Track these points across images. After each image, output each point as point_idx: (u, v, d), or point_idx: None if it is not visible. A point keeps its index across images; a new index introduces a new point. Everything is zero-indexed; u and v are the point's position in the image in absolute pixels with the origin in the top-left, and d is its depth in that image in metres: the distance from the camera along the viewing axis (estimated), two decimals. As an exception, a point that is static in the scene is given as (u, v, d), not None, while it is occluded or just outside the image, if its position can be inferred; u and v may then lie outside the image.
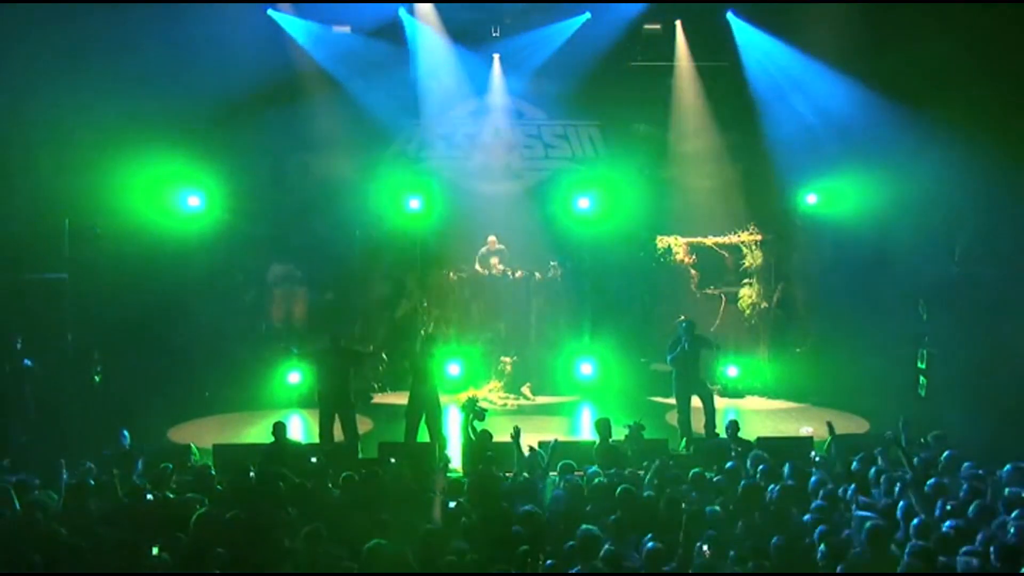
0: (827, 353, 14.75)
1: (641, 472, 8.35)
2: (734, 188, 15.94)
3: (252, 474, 8.17)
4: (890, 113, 13.58)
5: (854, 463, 8.15)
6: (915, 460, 8.04)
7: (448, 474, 8.71)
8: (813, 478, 7.72)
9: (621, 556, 6.01)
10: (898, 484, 7.21)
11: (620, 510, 6.80)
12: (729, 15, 15.57)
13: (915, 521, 6.38)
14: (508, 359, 15.05)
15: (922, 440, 8.98)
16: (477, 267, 15.70)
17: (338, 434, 11.00)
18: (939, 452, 8.34)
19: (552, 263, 15.59)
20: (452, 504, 7.17)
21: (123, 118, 12.86)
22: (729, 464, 8.26)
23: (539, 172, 17.01)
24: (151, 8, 13.08)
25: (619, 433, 9.76)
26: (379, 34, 15.83)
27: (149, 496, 7.49)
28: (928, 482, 7.29)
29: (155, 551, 6.37)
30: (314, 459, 9.04)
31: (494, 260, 15.60)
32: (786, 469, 7.94)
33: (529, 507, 6.91)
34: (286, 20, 15.56)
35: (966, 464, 7.84)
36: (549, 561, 6.04)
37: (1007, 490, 7.16)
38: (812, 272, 15.42)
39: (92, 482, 7.81)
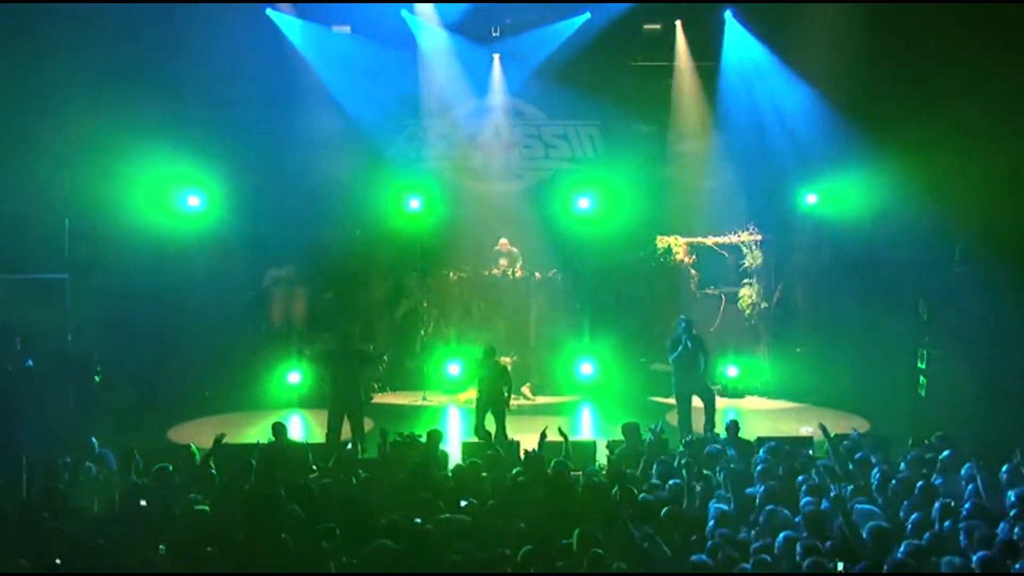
0: (827, 353, 14.76)
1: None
2: (734, 188, 15.93)
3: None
4: (890, 111, 13.60)
5: (851, 464, 8.16)
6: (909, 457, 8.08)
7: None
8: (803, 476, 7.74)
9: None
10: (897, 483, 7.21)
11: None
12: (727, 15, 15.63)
13: (913, 518, 6.40)
14: (508, 359, 15.01)
15: (926, 441, 8.98)
16: (495, 270, 15.65)
17: (346, 434, 10.96)
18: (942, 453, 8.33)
19: (551, 271, 15.56)
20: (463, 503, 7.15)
21: (123, 118, 12.85)
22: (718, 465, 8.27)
23: (539, 172, 16.99)
24: (151, 8, 13.08)
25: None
26: (379, 34, 15.83)
27: (147, 498, 7.47)
28: (930, 482, 7.29)
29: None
30: (311, 457, 9.04)
31: (503, 261, 15.58)
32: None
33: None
34: (285, 20, 15.58)
35: (967, 464, 7.83)
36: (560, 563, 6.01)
37: (1009, 492, 7.15)
38: (812, 272, 15.42)
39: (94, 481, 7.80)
